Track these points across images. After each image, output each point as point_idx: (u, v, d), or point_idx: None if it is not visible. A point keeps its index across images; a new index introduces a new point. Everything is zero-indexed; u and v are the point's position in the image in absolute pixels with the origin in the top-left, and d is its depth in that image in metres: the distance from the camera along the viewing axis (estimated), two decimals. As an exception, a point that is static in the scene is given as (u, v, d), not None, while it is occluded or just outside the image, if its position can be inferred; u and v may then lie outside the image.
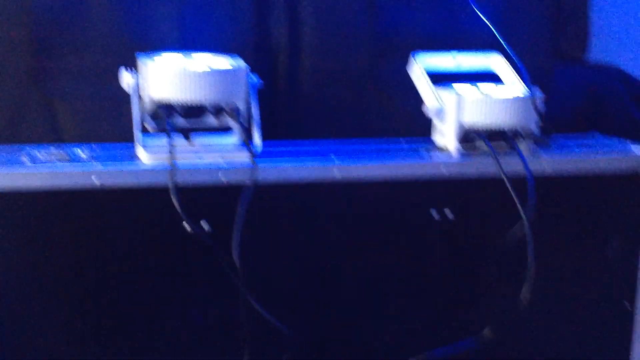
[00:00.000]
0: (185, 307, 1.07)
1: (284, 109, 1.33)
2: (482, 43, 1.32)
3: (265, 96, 1.28)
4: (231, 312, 1.05)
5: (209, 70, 1.03)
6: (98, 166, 1.01)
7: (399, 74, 1.28)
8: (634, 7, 2.00)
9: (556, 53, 1.70)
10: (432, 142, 1.20)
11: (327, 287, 1.12)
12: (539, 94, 1.16)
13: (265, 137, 1.15)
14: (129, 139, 1.07)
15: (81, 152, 1.08)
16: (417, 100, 1.19)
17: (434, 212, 1.13)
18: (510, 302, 1.11)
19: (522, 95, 1.14)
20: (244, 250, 1.00)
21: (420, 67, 1.21)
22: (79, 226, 1.00)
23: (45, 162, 1.01)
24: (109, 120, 1.23)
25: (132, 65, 1.05)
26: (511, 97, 1.13)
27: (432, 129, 1.20)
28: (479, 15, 1.31)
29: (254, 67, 1.13)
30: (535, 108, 1.14)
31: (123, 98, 1.15)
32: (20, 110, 1.20)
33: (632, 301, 1.25)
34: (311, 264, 1.11)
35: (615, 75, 1.68)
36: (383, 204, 1.12)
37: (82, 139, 1.20)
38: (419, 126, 1.22)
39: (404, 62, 1.25)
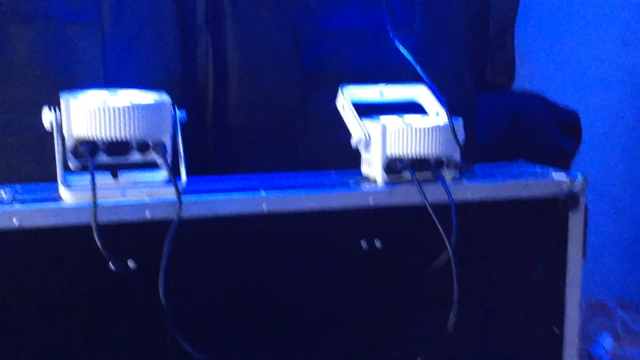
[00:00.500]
0: (112, 347, 1.05)
1: (213, 143, 1.33)
2: (408, 75, 1.36)
3: (193, 131, 1.29)
4: (159, 351, 1.04)
5: (131, 105, 1.02)
6: (17, 206, 0.99)
7: (326, 106, 1.30)
8: (556, 35, 2.08)
9: (482, 82, 1.76)
10: (360, 174, 1.22)
11: (255, 322, 1.12)
12: (460, 123, 1.20)
13: (194, 172, 1.15)
14: (53, 177, 1.05)
15: (2, 193, 1.06)
16: (346, 132, 1.21)
17: (361, 242, 1.14)
18: (438, 329, 1.12)
19: (441, 125, 1.17)
20: (170, 287, 0.99)
21: (347, 99, 1.23)
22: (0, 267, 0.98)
23: (-38, 204, 0.99)
24: (32, 157, 1.21)
25: (55, 103, 1.04)
26: (431, 126, 1.16)
27: (360, 161, 1.22)
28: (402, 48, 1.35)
29: (181, 102, 1.13)
30: (456, 137, 1.17)
31: (46, 136, 1.14)
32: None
33: (560, 325, 1.28)
34: (239, 298, 1.10)
35: (539, 103, 1.74)
36: (311, 235, 1.12)
37: (5, 178, 1.18)
38: (349, 158, 1.24)
39: (331, 95, 1.27)
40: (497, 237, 1.22)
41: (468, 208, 1.17)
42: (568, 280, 1.26)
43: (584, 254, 1.27)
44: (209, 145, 1.33)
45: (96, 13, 1.24)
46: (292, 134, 1.37)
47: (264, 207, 1.09)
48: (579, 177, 1.24)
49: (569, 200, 1.23)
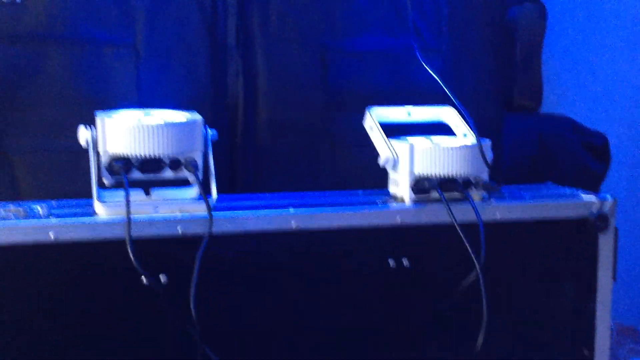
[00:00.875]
0: (142, 360, 1.06)
1: (242, 162, 1.35)
2: (434, 97, 1.37)
3: (223, 150, 1.31)
4: (188, 365, 1.05)
5: (164, 123, 1.05)
6: (53, 221, 1.01)
7: (353, 127, 1.32)
8: (584, 58, 2.08)
9: (509, 105, 1.76)
10: (388, 193, 1.23)
11: (284, 337, 1.12)
12: (487, 144, 1.20)
13: (223, 190, 1.17)
14: (88, 194, 1.08)
15: (39, 208, 1.09)
16: (372, 153, 1.22)
17: (389, 260, 1.15)
18: (465, 349, 1.12)
19: (469, 145, 1.17)
20: (201, 302, 1.01)
21: (375, 119, 1.25)
22: (34, 281, 1.00)
23: (0, 218, 1.02)
24: (68, 176, 1.23)
25: (90, 123, 1.07)
26: (459, 145, 1.16)
27: (387, 180, 1.23)
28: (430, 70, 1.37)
29: (211, 122, 1.15)
30: (484, 157, 1.18)
31: (81, 154, 1.17)
32: (-23, 167, 1.21)
33: (590, 348, 1.27)
34: (268, 314, 1.11)
35: (567, 126, 1.74)
36: (339, 253, 1.13)
37: (41, 195, 1.20)
38: (375, 179, 1.25)
39: (358, 116, 1.28)
40: (525, 258, 1.22)
41: (496, 228, 1.17)
42: (598, 302, 1.25)
43: (614, 277, 1.26)
44: (238, 164, 1.35)
45: (130, 35, 1.27)
46: (320, 154, 1.39)
47: (293, 224, 1.10)
48: (609, 199, 1.24)
49: (599, 222, 1.23)
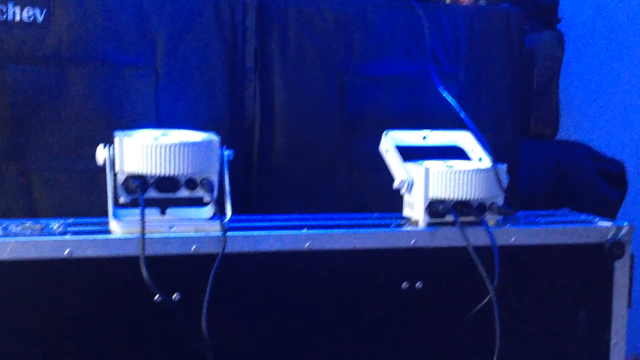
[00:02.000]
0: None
1: (257, 183, 1.36)
2: (450, 122, 1.38)
3: (239, 171, 1.32)
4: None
5: (180, 142, 1.06)
6: (69, 237, 1.02)
7: (369, 151, 1.33)
8: (601, 86, 2.08)
9: (526, 132, 1.76)
10: (403, 217, 1.23)
11: (296, 356, 1.12)
12: (503, 168, 1.20)
13: (238, 211, 1.18)
14: (105, 213, 1.09)
15: (55, 225, 1.10)
16: (388, 177, 1.23)
17: (402, 282, 1.15)
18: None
19: (484, 169, 1.17)
20: (213, 320, 1.01)
21: (391, 143, 1.25)
22: (48, 297, 1.01)
23: (16, 233, 1.03)
24: (85, 194, 1.25)
25: (109, 143, 1.08)
26: (474, 169, 1.16)
27: (402, 204, 1.23)
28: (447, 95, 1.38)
29: (228, 143, 1.17)
30: (499, 181, 1.18)
31: (99, 174, 1.18)
32: (-3, 183, 1.23)
33: (606, 375, 1.25)
34: (280, 334, 1.11)
35: (584, 153, 1.74)
36: (353, 274, 1.13)
37: (58, 213, 1.22)
38: (392, 202, 1.26)
39: (374, 139, 1.29)
40: (540, 284, 1.21)
41: (511, 252, 1.17)
42: (613, 329, 1.24)
43: (630, 304, 1.25)
44: (253, 186, 1.36)
45: (150, 57, 1.29)
46: (335, 177, 1.39)
47: (307, 245, 1.10)
48: (625, 225, 1.23)
49: (614, 248, 1.22)
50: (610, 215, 1.58)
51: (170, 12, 1.29)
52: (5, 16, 1.21)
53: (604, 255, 1.22)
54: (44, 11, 1.22)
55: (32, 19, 1.22)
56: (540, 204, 1.57)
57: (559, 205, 1.45)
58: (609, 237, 1.22)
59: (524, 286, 1.20)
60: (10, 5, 1.21)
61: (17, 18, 1.21)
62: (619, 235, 1.22)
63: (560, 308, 1.22)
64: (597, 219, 1.29)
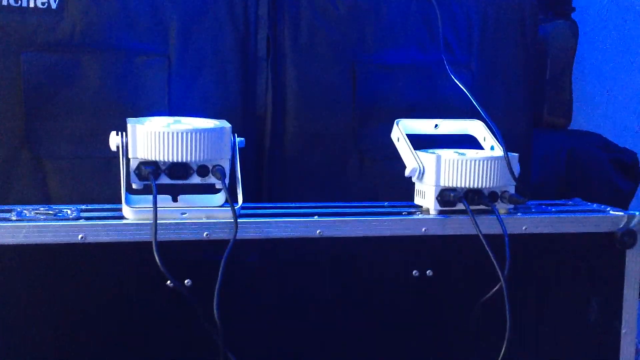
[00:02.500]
0: (165, 363, 1.07)
1: (268, 172, 1.36)
2: (463, 111, 1.38)
3: (250, 160, 1.33)
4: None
5: (192, 129, 1.07)
6: (81, 221, 1.03)
7: (381, 140, 1.33)
8: (615, 76, 2.07)
9: (539, 122, 1.76)
10: (414, 205, 1.23)
11: (307, 344, 1.13)
12: (515, 156, 1.20)
13: (249, 199, 1.18)
14: (117, 200, 1.10)
15: (68, 211, 1.11)
16: (399, 166, 1.23)
17: (413, 270, 1.15)
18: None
19: (496, 156, 1.17)
20: (225, 306, 1.02)
21: (402, 131, 1.25)
22: (61, 281, 1.02)
23: (31, 218, 1.04)
24: (98, 181, 1.26)
25: (121, 129, 1.09)
26: (485, 157, 1.16)
27: (414, 192, 1.23)
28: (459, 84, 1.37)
29: (240, 131, 1.17)
30: (510, 169, 1.18)
31: (112, 160, 1.19)
32: (11, 170, 1.24)
33: (615, 364, 1.25)
34: (291, 320, 1.12)
35: (597, 143, 1.73)
36: (363, 261, 1.14)
37: (71, 199, 1.23)
38: (402, 191, 1.26)
39: (386, 128, 1.29)
40: (550, 272, 1.21)
41: (522, 241, 1.17)
42: (624, 319, 1.23)
43: (641, 293, 1.25)
44: (264, 174, 1.37)
45: (163, 45, 1.30)
46: (347, 166, 1.40)
47: (318, 232, 1.11)
48: (637, 214, 1.23)
49: (626, 237, 1.22)
50: (623, 205, 1.58)
51: (183, 0, 1.30)
52: (19, 2, 1.22)
53: (615, 244, 1.22)
54: (58, -2, 1.23)
55: (46, 5, 1.23)
56: (553, 193, 1.56)
57: (571, 195, 1.45)
58: (620, 225, 1.22)
59: (535, 275, 1.20)
60: (24, -9, 1.22)
61: (32, 4, 1.22)
62: (631, 224, 1.22)
63: (571, 297, 1.22)
64: (608, 208, 1.28)
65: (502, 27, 1.50)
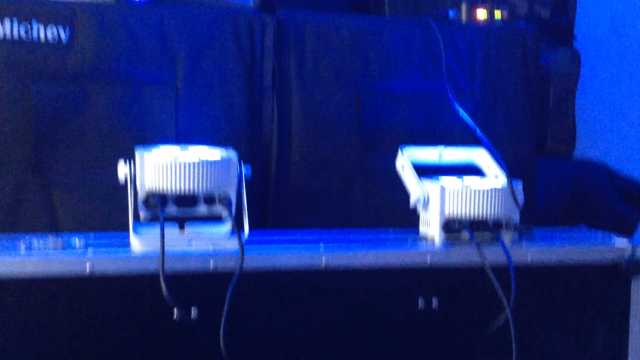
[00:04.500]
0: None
1: (275, 199, 1.37)
2: (466, 139, 1.38)
3: (256, 187, 1.33)
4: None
5: (200, 160, 1.08)
6: (90, 254, 1.04)
7: (385, 167, 1.33)
8: (618, 104, 2.08)
9: (543, 150, 1.77)
10: (419, 233, 1.24)
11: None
12: (519, 186, 1.21)
13: (255, 226, 1.19)
14: (125, 227, 1.10)
15: (76, 241, 1.11)
16: (404, 193, 1.24)
17: (419, 300, 1.15)
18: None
19: (500, 187, 1.18)
20: (231, 337, 1.02)
21: (407, 159, 1.26)
22: (70, 312, 1.02)
23: (39, 250, 1.05)
24: (105, 209, 1.27)
25: (129, 157, 1.10)
26: (490, 187, 1.17)
27: (418, 220, 1.24)
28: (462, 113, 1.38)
29: (246, 159, 1.18)
30: (515, 199, 1.18)
31: (120, 188, 1.20)
32: (20, 197, 1.24)
33: (623, 394, 1.25)
34: (297, 350, 1.12)
35: (601, 171, 1.74)
36: (369, 292, 1.14)
37: (79, 227, 1.24)
38: (407, 218, 1.26)
39: (390, 156, 1.30)
40: (556, 302, 1.21)
41: (527, 271, 1.17)
42: (630, 349, 1.23)
43: (647, 323, 1.25)
44: (270, 201, 1.37)
45: (171, 74, 1.31)
46: (352, 193, 1.40)
47: (323, 262, 1.11)
48: (642, 244, 1.23)
49: (631, 267, 1.22)
50: (628, 234, 1.58)
51: (191, 31, 1.32)
52: (29, 34, 1.23)
53: (620, 274, 1.22)
54: (67, 30, 1.25)
55: (56, 37, 1.24)
56: (557, 220, 1.57)
57: (575, 222, 1.45)
58: (626, 256, 1.22)
59: (541, 305, 1.20)
60: (34, 23, 1.23)
61: (42, 38, 1.24)
62: (636, 255, 1.22)
63: (577, 327, 1.22)
64: (613, 237, 1.29)
65: (505, 56, 1.51)
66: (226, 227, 1.13)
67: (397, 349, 1.15)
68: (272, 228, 1.32)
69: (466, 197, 1.16)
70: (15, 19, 1.22)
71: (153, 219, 1.09)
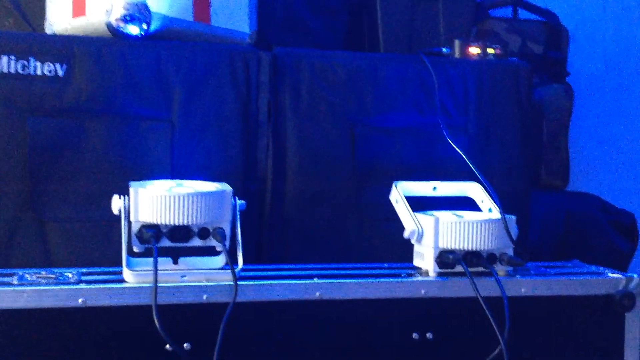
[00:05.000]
0: None
1: (269, 233, 1.37)
2: (460, 174, 1.39)
3: (251, 221, 1.34)
4: None
5: (194, 193, 1.08)
6: (82, 285, 1.04)
7: (380, 202, 1.34)
8: (611, 137, 2.10)
9: (536, 183, 1.78)
10: (413, 267, 1.24)
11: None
12: (512, 219, 1.21)
13: (249, 260, 1.19)
14: (119, 262, 1.11)
15: (69, 275, 1.11)
16: (400, 226, 1.24)
17: (413, 333, 1.15)
18: None
19: (494, 219, 1.19)
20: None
21: (401, 193, 1.27)
22: (62, 346, 1.02)
23: (32, 282, 1.05)
24: (100, 243, 1.27)
25: (124, 193, 1.11)
26: (483, 220, 1.18)
27: (413, 254, 1.24)
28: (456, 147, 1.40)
29: (241, 193, 1.19)
30: (508, 232, 1.19)
31: (114, 223, 1.20)
32: (14, 232, 1.25)
33: None
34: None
35: (594, 204, 1.75)
36: (363, 324, 1.14)
37: (73, 262, 1.24)
38: (401, 252, 1.27)
39: (385, 190, 1.31)
40: (550, 335, 1.21)
41: (521, 303, 1.17)
42: (626, 382, 1.23)
43: (642, 356, 1.24)
44: (265, 235, 1.38)
45: (167, 110, 1.32)
46: (347, 227, 1.41)
47: (317, 294, 1.11)
48: (635, 277, 1.23)
49: (625, 300, 1.22)
50: (622, 266, 1.59)
51: (187, 66, 1.33)
52: (26, 70, 1.25)
53: (614, 307, 1.22)
54: (65, 66, 1.26)
55: (53, 73, 1.26)
56: (551, 254, 1.57)
57: (569, 257, 1.45)
58: (619, 288, 1.22)
59: (535, 337, 1.20)
60: (31, 60, 1.25)
61: (39, 72, 1.25)
62: (630, 287, 1.22)
63: (572, 359, 1.22)
64: (607, 270, 1.29)
65: (498, 90, 1.53)
66: (220, 260, 1.13)
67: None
68: (266, 262, 1.32)
69: (460, 229, 1.17)
70: (12, 56, 1.24)
71: (147, 253, 1.09)
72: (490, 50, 1.57)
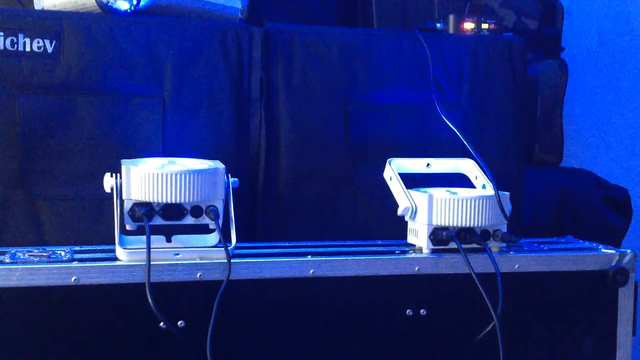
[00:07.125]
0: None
1: (262, 211, 1.37)
2: (454, 150, 1.39)
3: (244, 199, 1.33)
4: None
5: (186, 170, 1.08)
6: (74, 264, 1.03)
7: (374, 179, 1.34)
8: (605, 113, 2.09)
9: (530, 160, 1.77)
10: (407, 244, 1.24)
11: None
12: (506, 195, 1.21)
13: (243, 239, 1.19)
14: (111, 241, 1.10)
15: (62, 253, 1.11)
16: (394, 203, 1.24)
17: (407, 309, 1.15)
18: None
19: (487, 195, 1.18)
20: (218, 347, 1.01)
21: (394, 170, 1.27)
22: (54, 324, 1.02)
23: (24, 261, 1.04)
24: (92, 222, 1.26)
25: (116, 170, 1.10)
26: (477, 196, 1.17)
27: (406, 231, 1.24)
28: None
29: (234, 171, 1.18)
30: (502, 208, 1.19)
31: (106, 201, 1.20)
32: (5, 211, 1.24)
33: (611, 403, 1.25)
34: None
35: (588, 180, 1.74)
36: (357, 301, 1.14)
37: (65, 240, 1.23)
38: (395, 229, 1.27)
39: (378, 167, 1.30)
40: (543, 311, 1.21)
41: (514, 279, 1.18)
42: (618, 357, 1.23)
43: (634, 331, 1.25)
44: (258, 213, 1.37)
45: (158, 87, 1.31)
46: (341, 205, 1.40)
47: (311, 271, 1.11)
48: (628, 252, 1.24)
49: (618, 275, 1.22)
50: (615, 242, 1.59)
51: (178, 42, 1.32)
52: (15, 47, 1.23)
53: (607, 282, 1.22)
54: (54, 42, 1.24)
55: (42, 49, 1.24)
56: (545, 231, 1.57)
57: (563, 232, 1.45)
58: (612, 264, 1.23)
59: (528, 313, 1.20)
60: (20, 36, 1.23)
61: (28, 48, 1.24)
62: (623, 262, 1.23)
63: (565, 335, 1.22)
64: (600, 246, 1.29)
65: (492, 67, 1.52)
66: (213, 237, 1.13)
67: (385, 357, 1.15)
68: (259, 240, 1.32)
69: (453, 206, 1.17)
70: (1, 32, 1.22)
71: (139, 231, 1.09)
72: (484, 26, 1.56)
